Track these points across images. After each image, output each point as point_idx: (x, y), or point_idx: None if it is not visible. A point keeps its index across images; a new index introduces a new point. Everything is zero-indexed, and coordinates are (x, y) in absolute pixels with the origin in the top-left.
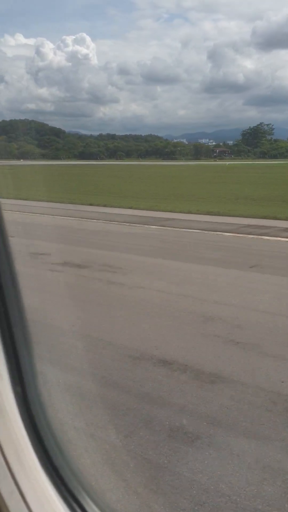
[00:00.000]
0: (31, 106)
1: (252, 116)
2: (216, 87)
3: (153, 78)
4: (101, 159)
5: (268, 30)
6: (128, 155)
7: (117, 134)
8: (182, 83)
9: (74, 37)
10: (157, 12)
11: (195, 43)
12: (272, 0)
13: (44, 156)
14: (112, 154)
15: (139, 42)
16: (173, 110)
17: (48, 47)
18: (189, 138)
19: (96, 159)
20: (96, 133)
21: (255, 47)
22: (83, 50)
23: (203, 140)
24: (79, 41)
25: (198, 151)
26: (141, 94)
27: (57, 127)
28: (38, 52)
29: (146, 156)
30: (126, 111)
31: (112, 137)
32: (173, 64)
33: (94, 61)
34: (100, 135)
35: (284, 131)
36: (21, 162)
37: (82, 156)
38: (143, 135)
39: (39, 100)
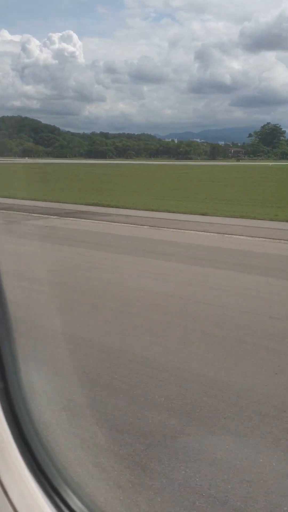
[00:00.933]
0: (17, 103)
1: (239, 116)
2: (203, 87)
3: (140, 77)
4: (110, 157)
5: (256, 32)
6: (137, 154)
7: (110, 132)
8: (169, 83)
9: (60, 34)
10: (145, 11)
11: (183, 43)
12: (260, 2)
13: (48, 154)
14: (121, 153)
15: (127, 41)
16: (160, 110)
17: (34, 44)
18: (176, 137)
19: (105, 158)
20: (82, 132)
21: (242, 48)
22: (70, 48)
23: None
24: (66, 39)
25: (215, 151)
26: (128, 93)
27: (51, 124)
28: (24, 49)
29: (157, 156)
30: (113, 110)
31: (105, 135)
32: (160, 64)
33: (81, 59)
34: (93, 133)
35: None
36: (27, 160)
37: (90, 154)
38: (135, 133)
39: (24, 97)
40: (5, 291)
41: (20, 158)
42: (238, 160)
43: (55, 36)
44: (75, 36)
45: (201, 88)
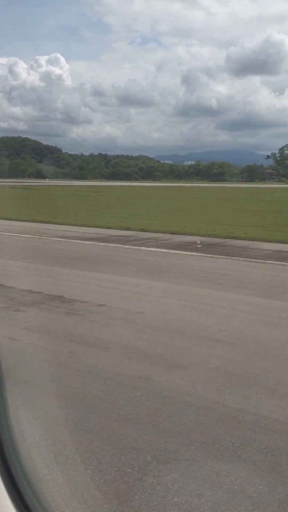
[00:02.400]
0: (3, 124)
1: (224, 140)
2: (189, 111)
3: (127, 100)
4: (136, 179)
5: (242, 57)
6: (155, 177)
7: (109, 154)
8: (156, 106)
9: (48, 57)
10: (131, 35)
11: (169, 67)
12: (243, 28)
13: (66, 176)
14: (146, 175)
15: (114, 65)
16: (147, 133)
17: (22, 67)
18: (162, 160)
19: (130, 179)
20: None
21: (228, 73)
22: (57, 71)
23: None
24: (53, 62)
25: (252, 173)
26: (115, 116)
27: (52, 145)
28: (11, 71)
29: (186, 178)
30: (100, 132)
31: (105, 157)
32: (147, 87)
33: (68, 81)
34: (91, 155)
35: (255, 155)
36: (48, 181)
37: (113, 176)
38: (134, 155)
39: (11, 118)
40: None
41: (41, 180)
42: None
43: (42, 59)
44: (62, 59)
45: (187, 111)
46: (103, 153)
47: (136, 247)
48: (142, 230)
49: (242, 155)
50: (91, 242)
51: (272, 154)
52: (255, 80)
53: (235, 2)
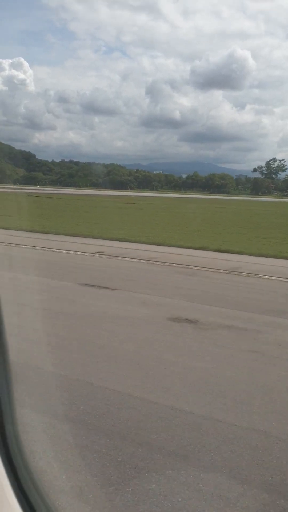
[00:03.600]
0: None
1: (186, 151)
2: (153, 122)
3: (92, 108)
4: (132, 189)
5: (206, 70)
6: (152, 187)
7: (80, 161)
8: (120, 115)
9: (11, 61)
10: (96, 43)
11: (134, 77)
12: (207, 42)
13: (54, 183)
14: (141, 184)
15: (79, 72)
16: (110, 141)
17: None
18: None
19: (126, 189)
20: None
21: (193, 86)
22: (20, 75)
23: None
24: (16, 66)
25: (258, 186)
26: (79, 123)
27: (26, 150)
28: None
29: (185, 188)
30: (63, 138)
31: (76, 163)
32: (112, 96)
33: (32, 87)
34: (62, 161)
35: (216, 167)
36: (38, 189)
37: (106, 185)
38: (106, 163)
39: None
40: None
41: (32, 187)
42: None
43: (5, 63)
44: (25, 64)
45: (151, 122)
46: (66, 159)
47: None
48: None
49: (203, 167)
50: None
51: (258, 167)
52: (218, 94)
53: (199, 17)
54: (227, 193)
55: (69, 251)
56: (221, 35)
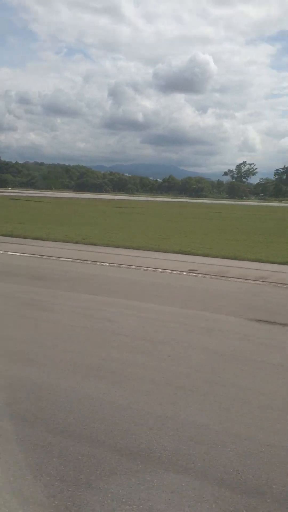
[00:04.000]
0: None
1: (149, 154)
2: (115, 124)
3: (54, 109)
4: (107, 192)
5: (168, 74)
6: (129, 190)
7: (45, 162)
8: (83, 117)
9: None
10: (58, 45)
11: (96, 79)
12: (168, 46)
13: (24, 185)
14: (116, 186)
15: (40, 73)
16: (73, 142)
17: None
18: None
19: (101, 191)
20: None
21: (155, 89)
22: None
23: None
24: None
25: (234, 190)
26: (41, 124)
27: None
28: None
29: (161, 192)
30: (23, 140)
31: (40, 165)
32: (74, 98)
33: None
34: (27, 163)
35: (179, 170)
36: (10, 191)
37: (81, 188)
38: (71, 164)
39: None
40: None
41: (3, 189)
42: (280, 200)
43: None
44: None
45: (113, 124)
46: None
47: None
48: None
49: (166, 170)
50: None
51: (229, 170)
52: (180, 97)
53: (161, 21)
54: (205, 196)
55: (156, 269)
56: (182, 39)
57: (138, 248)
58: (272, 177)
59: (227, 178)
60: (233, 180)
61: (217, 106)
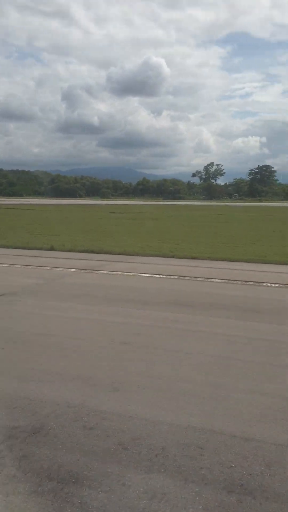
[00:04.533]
0: None
1: (106, 157)
2: (70, 127)
3: (6, 114)
4: (81, 197)
5: (122, 77)
6: (103, 194)
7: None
8: (37, 122)
9: None
10: (8, 49)
11: (49, 83)
12: (121, 49)
13: None
14: (89, 191)
15: None
16: (27, 147)
17: None
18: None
19: (74, 197)
20: None
21: (110, 92)
22: None
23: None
24: None
25: (212, 191)
26: None
27: None
28: None
29: (136, 195)
30: None
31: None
32: (27, 102)
33: None
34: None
35: (136, 173)
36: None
37: (53, 193)
38: (32, 170)
39: None
40: None
41: None
42: (260, 200)
43: None
44: None
45: (68, 128)
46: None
47: None
48: None
49: (123, 173)
50: None
51: (197, 171)
52: (135, 100)
53: (112, 24)
54: (182, 198)
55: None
56: (134, 42)
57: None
58: (231, 178)
59: (196, 180)
60: (201, 181)
61: (171, 108)
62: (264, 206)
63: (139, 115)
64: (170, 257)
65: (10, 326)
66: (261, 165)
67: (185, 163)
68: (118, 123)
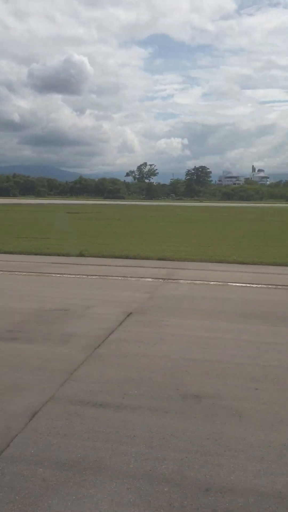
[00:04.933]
0: None
1: (28, 155)
2: None
3: None
4: (15, 196)
5: (45, 74)
6: (39, 193)
7: None
8: None
9: None
10: None
11: None
12: (43, 46)
13: None
14: (24, 190)
15: None
16: None
17: None
18: None
19: (8, 195)
20: None
21: (31, 88)
22: None
23: None
24: None
25: (151, 191)
26: None
27: None
28: None
29: (74, 194)
30: None
31: None
32: None
33: None
34: None
35: (60, 171)
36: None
37: None
38: None
39: None
40: None
41: None
42: (201, 200)
43: None
44: None
45: None
46: None
47: None
48: None
49: (47, 171)
50: None
51: (130, 171)
52: (57, 98)
53: (33, 20)
54: (123, 198)
55: None
56: (56, 39)
57: None
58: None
59: (129, 179)
60: (135, 181)
61: (95, 107)
62: (220, 206)
63: (62, 113)
64: (230, 262)
65: (226, 359)
66: (197, 166)
67: (110, 163)
68: (40, 121)
